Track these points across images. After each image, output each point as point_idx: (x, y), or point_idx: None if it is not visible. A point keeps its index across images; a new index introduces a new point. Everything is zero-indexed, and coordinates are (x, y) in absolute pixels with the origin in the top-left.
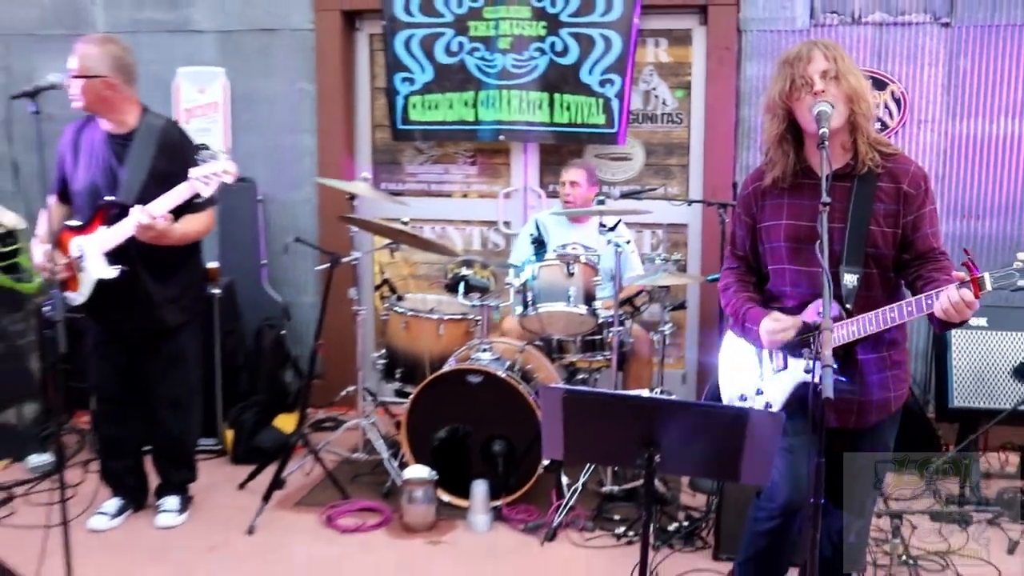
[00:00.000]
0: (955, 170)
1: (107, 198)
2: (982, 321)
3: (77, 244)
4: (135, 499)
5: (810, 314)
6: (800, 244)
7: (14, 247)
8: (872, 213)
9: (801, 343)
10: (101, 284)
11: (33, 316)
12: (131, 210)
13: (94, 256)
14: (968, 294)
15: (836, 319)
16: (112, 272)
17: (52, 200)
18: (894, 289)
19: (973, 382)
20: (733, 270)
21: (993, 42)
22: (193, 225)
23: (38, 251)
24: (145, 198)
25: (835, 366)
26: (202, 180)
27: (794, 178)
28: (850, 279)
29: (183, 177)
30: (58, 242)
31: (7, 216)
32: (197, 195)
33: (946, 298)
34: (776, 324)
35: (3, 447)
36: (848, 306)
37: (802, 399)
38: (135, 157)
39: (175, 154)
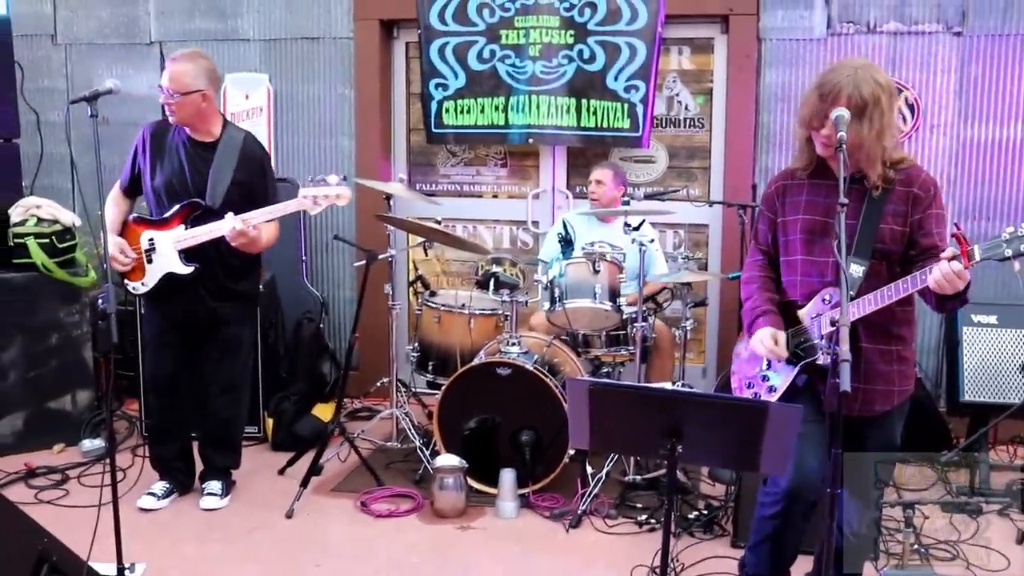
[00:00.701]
0: (966, 173)
1: (194, 199)
2: (992, 319)
3: (148, 236)
4: (181, 483)
5: (815, 303)
6: (813, 236)
7: (71, 243)
8: (883, 213)
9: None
10: (170, 276)
11: (87, 308)
12: (227, 216)
13: (167, 250)
14: (957, 265)
15: (836, 306)
16: (187, 269)
17: (116, 190)
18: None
19: (983, 377)
20: (757, 263)
21: (1003, 50)
22: (271, 234)
23: (113, 243)
24: (226, 204)
25: (850, 359)
26: (311, 200)
27: (814, 176)
28: (856, 269)
29: (260, 187)
30: (127, 231)
31: (65, 214)
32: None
33: (938, 270)
34: (771, 344)
35: (59, 432)
36: (852, 293)
37: (805, 385)
38: (220, 166)
39: (254, 166)
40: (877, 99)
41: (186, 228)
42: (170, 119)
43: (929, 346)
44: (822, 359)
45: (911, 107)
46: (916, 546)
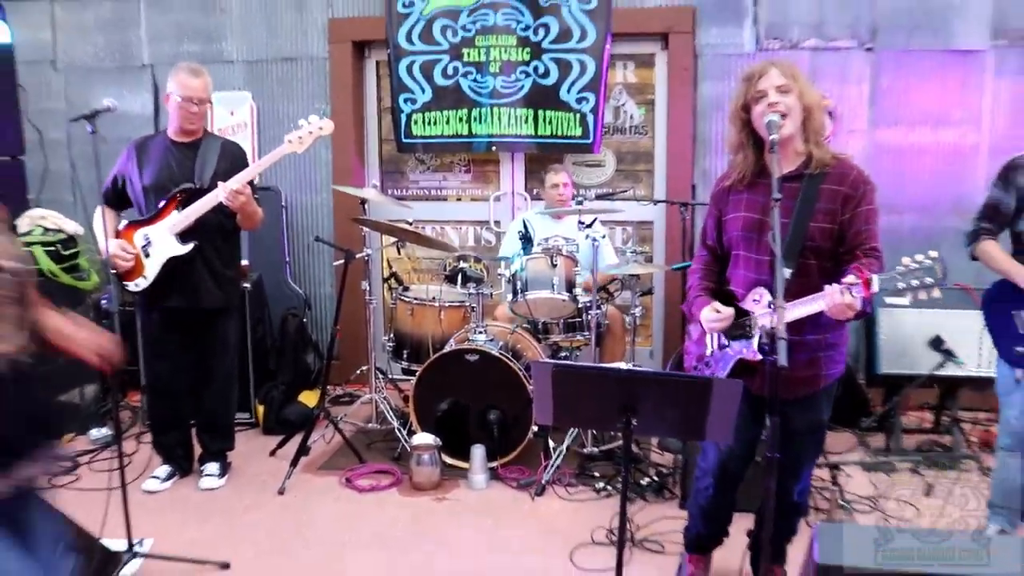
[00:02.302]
0: (879, 173)
1: (184, 186)
2: (903, 300)
3: (142, 234)
4: (182, 467)
5: (747, 302)
6: (751, 234)
7: (75, 251)
8: (814, 211)
9: (735, 328)
10: (169, 267)
11: (91, 309)
12: (220, 184)
13: (164, 239)
14: (849, 297)
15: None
16: (186, 248)
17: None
18: (832, 278)
19: (896, 352)
20: (701, 258)
21: (908, 64)
22: (260, 212)
23: (113, 244)
24: (215, 185)
25: (786, 337)
26: (297, 140)
27: (753, 177)
28: (785, 271)
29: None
30: (120, 238)
31: (68, 224)
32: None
33: (830, 299)
34: (713, 315)
35: (68, 423)
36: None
37: (739, 372)
38: (204, 156)
39: (234, 156)
40: (800, 74)
41: (180, 211)
42: (188, 126)
43: (852, 326)
44: (752, 350)
45: (830, 114)
46: (841, 502)
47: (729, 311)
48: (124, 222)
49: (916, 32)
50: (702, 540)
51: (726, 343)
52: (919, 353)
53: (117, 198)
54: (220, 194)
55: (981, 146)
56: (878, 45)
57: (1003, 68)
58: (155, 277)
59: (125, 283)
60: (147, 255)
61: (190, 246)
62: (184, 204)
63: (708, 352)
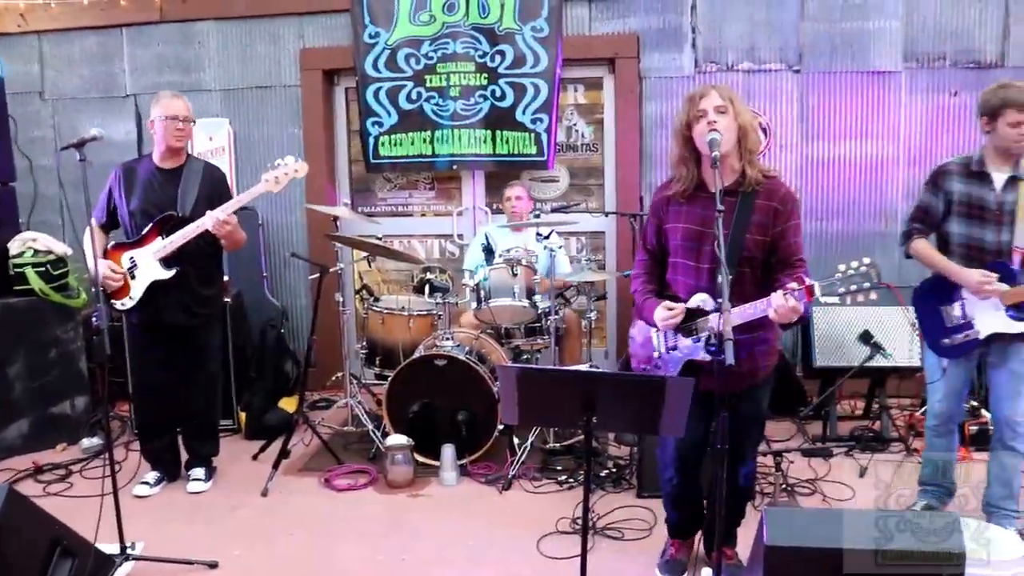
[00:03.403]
0: (808, 183)
1: (167, 213)
2: (835, 299)
3: (128, 256)
4: (170, 472)
5: (693, 304)
6: (691, 244)
7: (64, 270)
8: (749, 224)
9: (688, 324)
10: (154, 287)
11: (81, 326)
12: (208, 213)
13: (148, 262)
14: (792, 300)
15: (711, 312)
16: (168, 273)
17: (94, 225)
18: (764, 287)
19: (830, 346)
20: (644, 262)
21: (832, 84)
22: (243, 233)
23: (103, 265)
24: (197, 212)
25: (733, 339)
26: (273, 180)
27: (693, 191)
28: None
29: (225, 197)
30: (108, 258)
31: (58, 245)
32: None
33: (776, 303)
34: (667, 312)
35: (60, 433)
36: (720, 300)
37: (688, 372)
38: (187, 183)
39: (216, 182)
40: (737, 97)
41: (163, 238)
42: (175, 144)
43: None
44: (700, 352)
45: (764, 130)
46: (784, 486)
47: (682, 306)
48: (112, 243)
49: (837, 56)
50: (679, 525)
51: (674, 345)
52: (850, 347)
53: (109, 220)
54: (207, 223)
55: (899, 157)
56: (804, 68)
57: (914, 87)
58: (140, 297)
59: (113, 301)
60: (133, 276)
61: (173, 272)
62: (167, 230)
63: (656, 354)
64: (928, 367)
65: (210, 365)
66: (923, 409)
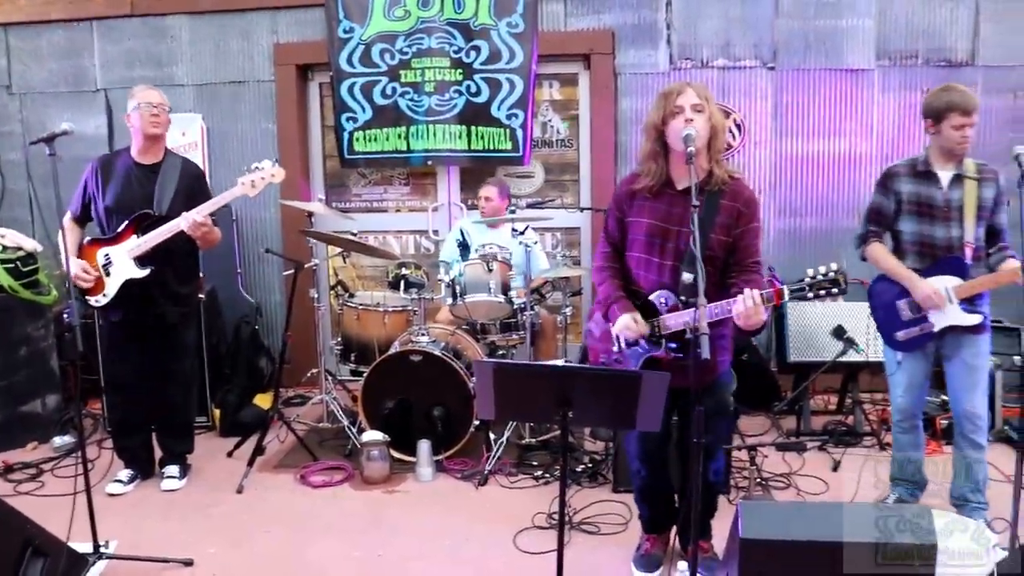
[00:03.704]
0: (782, 179)
1: (144, 211)
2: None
3: (103, 253)
4: (144, 470)
5: (654, 300)
6: (655, 239)
7: (34, 267)
8: (714, 224)
9: (651, 320)
10: (130, 284)
11: (52, 323)
12: (184, 214)
13: (122, 260)
14: (757, 297)
15: (672, 308)
16: (143, 272)
17: (68, 218)
18: (722, 287)
19: (804, 342)
20: (607, 254)
21: (806, 81)
22: (218, 233)
23: (75, 264)
24: (174, 211)
25: (708, 332)
26: (249, 184)
27: (660, 187)
28: (687, 276)
29: (201, 196)
30: (83, 253)
31: (27, 242)
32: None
33: (741, 303)
34: (632, 325)
35: (31, 432)
36: (683, 298)
37: (647, 367)
38: (164, 180)
39: (193, 179)
40: (711, 97)
41: (138, 236)
42: (152, 131)
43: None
44: (661, 351)
45: (739, 127)
46: (758, 480)
47: (644, 328)
48: (88, 238)
49: (811, 53)
50: (653, 520)
51: (635, 341)
52: (823, 342)
53: (84, 213)
54: (182, 224)
55: (872, 154)
56: (779, 65)
57: (887, 85)
58: (115, 294)
59: (87, 298)
60: (108, 273)
61: (147, 271)
62: (143, 229)
63: (616, 349)
64: (887, 362)
65: (185, 363)
66: None
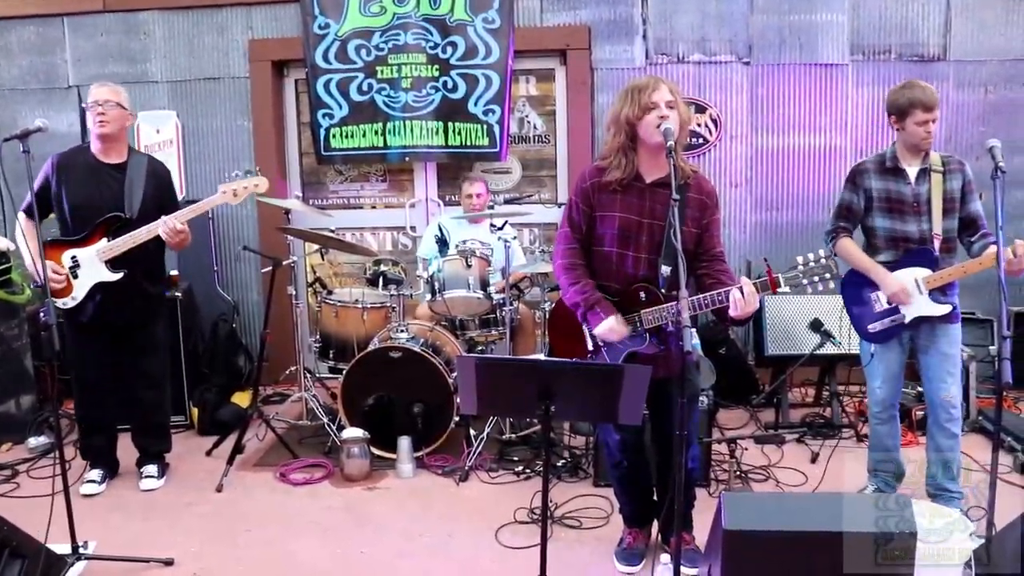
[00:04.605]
0: (759, 173)
1: (115, 214)
2: (785, 288)
3: (70, 255)
4: (111, 468)
5: (637, 293)
6: (627, 234)
7: (6, 266)
8: (684, 217)
9: (631, 315)
10: (100, 286)
11: (25, 322)
12: (163, 219)
13: (92, 263)
14: (750, 287)
15: (653, 302)
16: (116, 276)
17: (23, 217)
18: (696, 278)
19: (781, 335)
20: (574, 250)
21: (781, 76)
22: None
23: (47, 267)
24: (144, 215)
25: (692, 328)
26: (231, 192)
27: (630, 181)
28: (665, 270)
29: (168, 198)
30: (48, 255)
31: (0, 241)
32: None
33: (738, 292)
34: (618, 327)
35: (5, 432)
36: (663, 291)
37: (628, 361)
38: (132, 182)
39: (161, 181)
40: (679, 93)
41: (109, 240)
42: (98, 130)
43: None
44: (644, 346)
45: (715, 121)
46: (738, 472)
47: (626, 330)
48: (50, 238)
49: (786, 48)
50: (633, 514)
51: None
52: (801, 335)
53: (39, 205)
54: (159, 229)
55: (846, 148)
56: (754, 60)
57: (861, 79)
58: (83, 297)
59: (54, 299)
60: (75, 276)
61: (120, 274)
62: (113, 232)
63: (591, 348)
64: (863, 354)
65: (156, 362)
66: None
